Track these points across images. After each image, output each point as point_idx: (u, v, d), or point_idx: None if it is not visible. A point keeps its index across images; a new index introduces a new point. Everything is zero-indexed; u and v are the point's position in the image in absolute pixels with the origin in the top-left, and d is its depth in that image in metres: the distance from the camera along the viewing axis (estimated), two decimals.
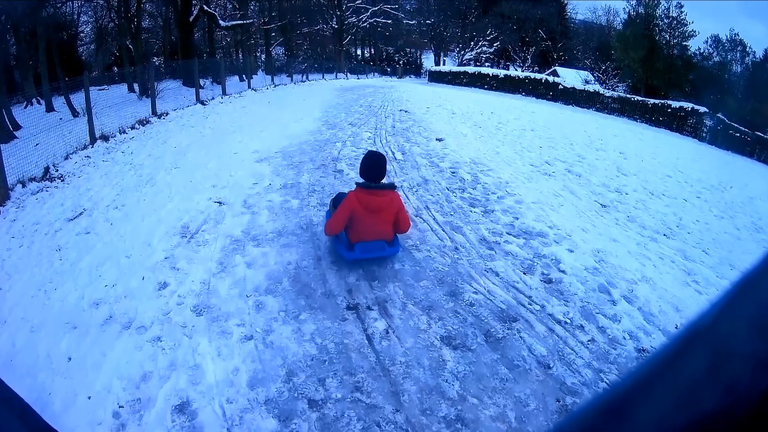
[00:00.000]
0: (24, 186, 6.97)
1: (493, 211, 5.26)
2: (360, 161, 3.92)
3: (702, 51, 41.41)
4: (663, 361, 0.30)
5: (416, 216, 4.98)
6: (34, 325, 3.54)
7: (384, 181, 3.89)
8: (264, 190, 5.73)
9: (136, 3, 23.36)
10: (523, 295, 3.65)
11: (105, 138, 9.46)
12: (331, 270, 3.86)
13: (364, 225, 3.74)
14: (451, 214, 5.10)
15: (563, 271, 4.05)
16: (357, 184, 3.81)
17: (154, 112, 12.11)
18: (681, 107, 25.97)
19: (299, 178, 6.17)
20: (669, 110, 26.25)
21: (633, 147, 13.11)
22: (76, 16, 30.66)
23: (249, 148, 7.77)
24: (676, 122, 25.81)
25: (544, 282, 3.87)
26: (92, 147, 8.99)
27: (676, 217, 7.04)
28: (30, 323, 3.57)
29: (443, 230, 4.68)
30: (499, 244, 4.47)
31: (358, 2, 44.14)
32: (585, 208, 6.33)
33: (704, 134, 24.93)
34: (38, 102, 17.35)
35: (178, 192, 5.91)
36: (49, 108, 15.51)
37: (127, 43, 24.34)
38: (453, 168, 6.83)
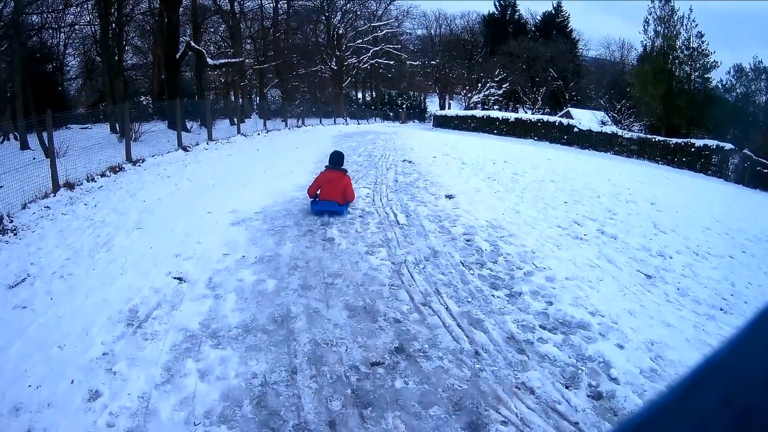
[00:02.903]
0: None
1: (520, 294, 4.60)
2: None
3: (724, 83, 41.06)
4: (680, 391, 0.32)
5: (423, 305, 4.29)
6: None
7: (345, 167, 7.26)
8: (235, 265, 5.10)
9: (118, 35, 23.34)
10: (566, 421, 2.92)
11: (70, 186, 8.83)
12: (309, 389, 3.11)
13: (324, 189, 6.86)
14: (469, 301, 4.41)
15: (615, 379, 3.37)
16: (325, 166, 7.23)
17: (129, 158, 11.54)
18: (705, 145, 25.29)
19: (280, 249, 5.55)
20: (692, 149, 25.60)
21: (663, 195, 12.52)
22: (62, 48, 30.82)
23: (226, 206, 7.22)
24: (700, 162, 25.15)
25: (593, 398, 3.17)
26: (54, 196, 8.31)
27: (728, 283, 6.42)
28: None
29: (459, 326, 3.95)
30: (532, 343, 3.75)
31: (358, 42, 44.82)
32: (628, 281, 5.64)
33: (730, 173, 24.19)
34: (15, 138, 16.97)
35: (134, 262, 5.26)
36: (24, 146, 15.08)
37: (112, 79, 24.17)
38: (467, 234, 6.23)
